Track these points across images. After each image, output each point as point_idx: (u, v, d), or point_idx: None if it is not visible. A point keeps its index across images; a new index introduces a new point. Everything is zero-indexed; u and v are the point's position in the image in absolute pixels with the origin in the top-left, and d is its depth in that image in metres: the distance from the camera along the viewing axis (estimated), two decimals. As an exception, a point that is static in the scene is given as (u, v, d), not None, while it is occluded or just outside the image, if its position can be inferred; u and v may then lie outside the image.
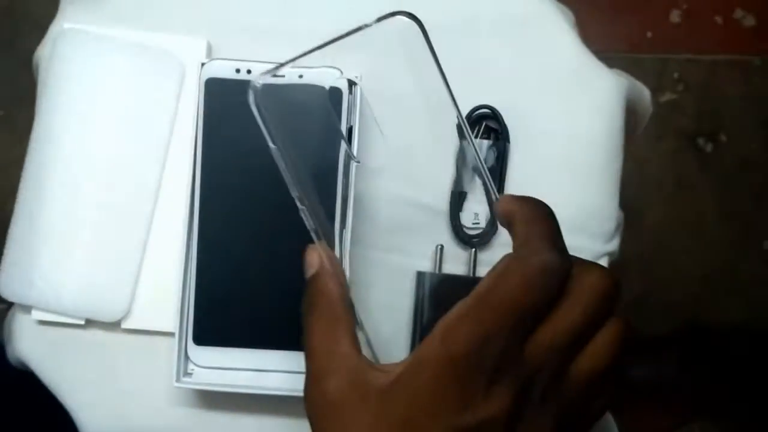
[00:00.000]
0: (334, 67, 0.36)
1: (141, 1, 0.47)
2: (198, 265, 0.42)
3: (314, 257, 0.31)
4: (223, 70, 0.42)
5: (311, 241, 0.32)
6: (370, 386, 0.28)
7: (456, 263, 0.46)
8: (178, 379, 0.42)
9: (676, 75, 1.16)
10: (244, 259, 0.42)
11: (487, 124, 0.47)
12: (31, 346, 0.45)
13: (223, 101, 0.42)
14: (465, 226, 0.46)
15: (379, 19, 0.30)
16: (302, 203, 0.31)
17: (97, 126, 0.45)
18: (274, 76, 0.30)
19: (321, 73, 0.37)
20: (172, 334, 0.42)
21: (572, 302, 0.27)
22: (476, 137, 0.47)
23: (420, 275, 0.45)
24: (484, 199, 0.46)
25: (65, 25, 0.46)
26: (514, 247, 0.29)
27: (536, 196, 0.30)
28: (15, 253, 0.45)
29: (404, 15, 0.30)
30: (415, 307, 0.45)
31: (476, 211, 0.46)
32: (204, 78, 0.42)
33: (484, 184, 0.32)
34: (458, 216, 0.46)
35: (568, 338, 0.27)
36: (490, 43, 0.48)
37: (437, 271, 0.45)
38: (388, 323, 0.46)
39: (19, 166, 0.45)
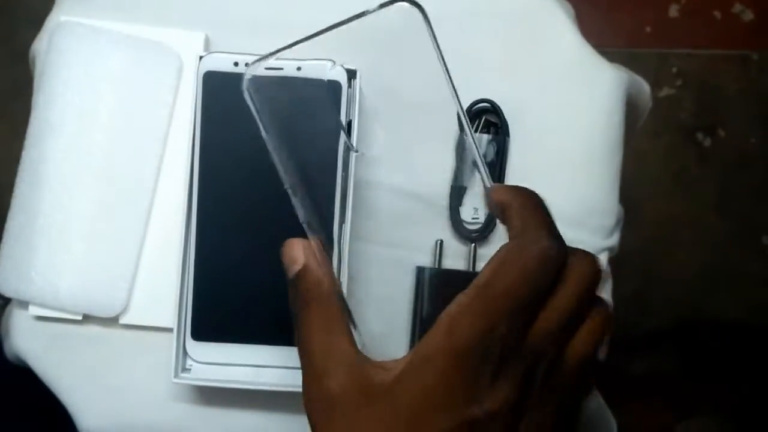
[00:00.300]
0: (330, 60, 0.36)
1: (138, -7, 0.47)
2: (196, 260, 0.42)
3: (298, 251, 0.30)
4: (221, 63, 0.41)
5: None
6: (373, 383, 0.28)
7: (456, 258, 0.46)
8: (176, 375, 0.41)
9: (674, 70, 1.16)
10: (243, 255, 0.42)
11: (486, 119, 0.47)
12: (29, 341, 0.45)
13: (221, 95, 0.41)
14: (465, 221, 0.46)
15: (382, 5, 0.29)
16: (295, 194, 0.30)
17: (95, 119, 0.45)
18: (271, 68, 0.29)
19: (319, 66, 0.36)
20: (170, 330, 0.42)
21: (567, 289, 0.27)
22: (476, 131, 0.47)
23: (419, 270, 0.45)
24: (483, 193, 0.46)
25: (62, 18, 0.46)
26: (511, 236, 0.29)
27: (537, 191, 0.30)
28: (12, 248, 0.44)
29: (407, 1, 0.29)
30: (415, 302, 0.45)
31: (476, 206, 0.46)
32: (202, 71, 0.41)
33: (480, 174, 0.31)
34: (458, 211, 0.46)
35: (564, 325, 0.27)
36: (490, 37, 0.48)
37: (437, 266, 0.45)
38: (387, 318, 0.45)
39: (16, 160, 0.45)
